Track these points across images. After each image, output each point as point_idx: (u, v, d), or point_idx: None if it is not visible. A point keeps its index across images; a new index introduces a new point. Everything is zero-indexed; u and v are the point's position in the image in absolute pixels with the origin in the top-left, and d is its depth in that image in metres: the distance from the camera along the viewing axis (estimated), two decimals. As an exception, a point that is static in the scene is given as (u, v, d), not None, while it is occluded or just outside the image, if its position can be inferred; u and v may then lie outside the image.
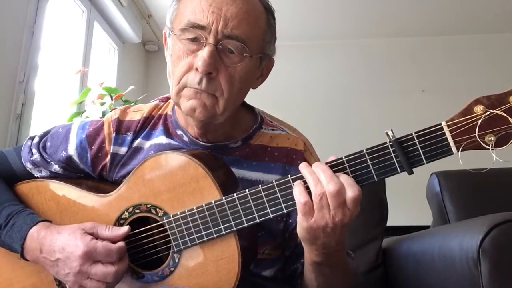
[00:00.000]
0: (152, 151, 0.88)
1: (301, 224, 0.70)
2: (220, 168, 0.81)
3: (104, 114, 1.81)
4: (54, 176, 0.92)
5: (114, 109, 0.97)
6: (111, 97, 1.90)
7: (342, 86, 3.47)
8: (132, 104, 1.03)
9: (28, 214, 0.82)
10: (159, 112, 0.93)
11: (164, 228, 0.79)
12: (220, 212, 0.75)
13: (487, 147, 0.65)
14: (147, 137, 0.91)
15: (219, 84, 0.78)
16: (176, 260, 0.78)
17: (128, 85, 2.16)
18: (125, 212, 0.81)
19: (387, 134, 0.68)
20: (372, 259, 1.41)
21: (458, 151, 0.66)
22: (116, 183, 0.88)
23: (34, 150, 0.92)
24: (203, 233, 0.76)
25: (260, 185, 0.73)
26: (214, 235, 0.75)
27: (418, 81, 3.41)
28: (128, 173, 0.84)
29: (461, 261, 0.88)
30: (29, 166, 0.92)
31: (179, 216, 0.77)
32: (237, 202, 0.74)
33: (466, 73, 3.35)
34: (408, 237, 1.30)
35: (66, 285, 0.79)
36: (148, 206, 0.80)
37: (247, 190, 0.74)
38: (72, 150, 0.90)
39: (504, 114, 0.64)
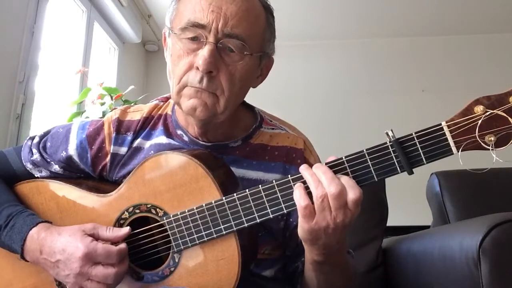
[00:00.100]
0: (152, 151, 0.88)
1: (302, 226, 0.70)
2: (220, 168, 0.81)
3: (104, 114, 1.81)
4: (54, 176, 0.92)
5: (114, 109, 0.97)
6: (111, 97, 1.90)
7: (342, 86, 3.47)
8: (132, 104, 1.03)
9: (28, 215, 0.82)
10: (159, 112, 0.94)
11: (164, 228, 0.79)
12: (220, 212, 0.75)
13: (487, 147, 0.65)
14: (147, 137, 0.91)
15: (219, 83, 0.78)
16: (176, 260, 0.78)
17: (128, 85, 2.15)
18: (125, 212, 0.81)
19: (387, 134, 0.68)
20: (372, 259, 1.41)
21: (458, 151, 0.66)
22: (116, 183, 0.88)
23: (34, 150, 0.92)
24: (203, 233, 0.76)
25: (260, 185, 0.73)
26: (214, 235, 0.75)
27: (418, 81, 3.41)
28: (128, 173, 0.85)
29: (461, 261, 0.88)
30: (29, 166, 0.92)
31: (179, 216, 0.77)
32: (237, 202, 0.74)
33: (466, 73, 3.35)
34: (408, 237, 1.30)
35: (66, 286, 0.79)
36: (148, 206, 0.80)
37: (247, 190, 0.74)
38: (72, 150, 0.90)
39: (504, 114, 0.64)
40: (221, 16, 0.76)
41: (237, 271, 0.74)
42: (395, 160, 0.68)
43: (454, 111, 0.67)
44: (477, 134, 0.65)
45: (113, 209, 0.82)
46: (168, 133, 0.90)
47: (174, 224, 0.77)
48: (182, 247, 0.77)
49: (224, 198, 0.75)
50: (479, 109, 0.65)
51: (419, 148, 0.67)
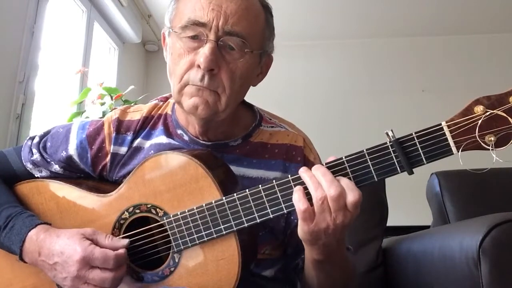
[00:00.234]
0: (152, 151, 0.88)
1: (302, 228, 0.70)
2: (220, 167, 0.81)
3: (104, 114, 1.81)
4: (54, 176, 0.92)
5: (114, 109, 0.97)
6: (111, 97, 1.90)
7: (342, 86, 3.47)
8: (132, 104, 1.03)
9: (28, 216, 0.82)
10: (159, 112, 0.94)
11: (164, 228, 0.79)
12: (220, 212, 0.75)
13: (487, 147, 0.65)
14: (147, 136, 0.91)
15: (220, 81, 0.78)
16: (176, 260, 0.78)
17: (128, 85, 2.15)
18: (125, 212, 0.81)
19: (387, 134, 0.68)
20: (372, 259, 1.41)
21: (458, 151, 0.66)
22: (116, 183, 0.88)
23: (34, 150, 0.92)
24: (203, 233, 0.76)
25: (260, 185, 0.73)
26: (214, 235, 0.75)
27: (418, 81, 3.41)
28: (128, 173, 0.85)
29: (461, 261, 0.88)
30: (29, 166, 0.92)
31: (179, 216, 0.77)
32: (237, 202, 0.74)
33: (466, 73, 3.35)
34: (408, 237, 1.30)
35: None
36: (148, 206, 0.80)
37: (247, 190, 0.74)
38: (72, 150, 0.90)
39: (504, 115, 0.64)
40: (221, 14, 0.76)
41: (237, 271, 0.74)
42: (395, 160, 0.68)
43: (454, 111, 0.67)
44: (477, 134, 0.65)
45: (113, 209, 0.82)
46: (168, 133, 0.90)
47: (174, 224, 0.77)
48: (182, 247, 0.77)
49: (224, 198, 0.75)
50: (479, 109, 0.65)
51: (419, 148, 0.67)
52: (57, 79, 2.32)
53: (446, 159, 0.68)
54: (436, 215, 1.64)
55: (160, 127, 0.91)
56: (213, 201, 0.75)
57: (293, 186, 0.71)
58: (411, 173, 0.68)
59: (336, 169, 0.70)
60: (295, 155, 0.89)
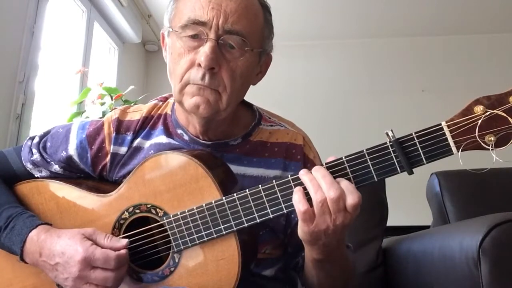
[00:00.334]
0: (152, 151, 0.88)
1: (302, 229, 0.71)
2: (219, 167, 0.81)
3: (104, 114, 1.81)
4: (54, 176, 0.92)
5: (114, 109, 0.97)
6: (111, 97, 1.90)
7: (342, 86, 3.47)
8: (132, 104, 1.03)
9: (28, 216, 0.82)
10: (159, 111, 0.94)
11: (164, 228, 0.79)
12: (220, 212, 0.75)
13: (487, 147, 0.65)
14: (147, 136, 0.91)
15: (221, 80, 0.78)
16: (176, 260, 0.78)
17: (128, 85, 2.15)
18: (125, 212, 0.81)
19: (387, 134, 0.68)
20: (372, 259, 1.41)
21: (458, 151, 0.66)
22: (116, 183, 0.88)
23: (34, 150, 0.92)
24: (203, 233, 0.76)
25: (260, 185, 0.73)
26: (214, 235, 0.75)
27: (418, 81, 3.41)
28: (128, 173, 0.85)
29: (461, 261, 0.88)
30: (29, 166, 0.92)
31: (179, 216, 0.77)
32: (237, 202, 0.74)
33: (466, 73, 3.35)
34: (408, 237, 1.30)
35: None
36: (148, 206, 0.80)
37: (247, 190, 0.74)
38: (72, 150, 0.90)
39: (504, 114, 0.64)
40: (221, 13, 0.77)
41: (237, 271, 0.74)
42: (395, 160, 0.68)
43: (454, 111, 0.67)
44: (477, 134, 0.65)
45: (113, 209, 0.82)
46: (168, 133, 0.90)
47: (174, 224, 0.77)
48: (182, 247, 0.77)
49: (224, 198, 0.75)
50: (479, 109, 0.65)
51: (419, 148, 0.67)
52: (57, 79, 2.32)
53: (446, 159, 0.68)
54: (436, 215, 1.63)
55: (160, 127, 0.91)
56: (213, 201, 0.75)
57: (293, 186, 0.71)
58: (411, 173, 0.68)
59: (336, 169, 0.70)
60: (295, 153, 0.89)
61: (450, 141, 0.66)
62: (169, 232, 0.78)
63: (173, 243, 0.78)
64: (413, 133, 0.68)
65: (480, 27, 3.35)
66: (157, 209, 0.79)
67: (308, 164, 0.89)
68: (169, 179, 0.78)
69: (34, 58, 1.96)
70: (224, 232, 0.75)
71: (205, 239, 0.76)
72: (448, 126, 0.66)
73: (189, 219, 0.76)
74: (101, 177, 0.92)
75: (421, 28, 3.37)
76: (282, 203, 0.72)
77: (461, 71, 3.37)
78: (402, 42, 3.48)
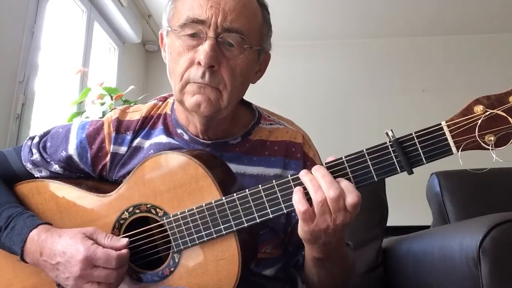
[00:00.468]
0: (152, 150, 0.88)
1: (302, 228, 0.71)
2: (219, 167, 0.81)
3: (104, 114, 1.81)
4: (54, 176, 0.92)
5: (113, 109, 0.97)
6: (111, 97, 1.90)
7: (342, 86, 3.47)
8: (131, 105, 1.03)
9: (28, 216, 0.82)
10: (158, 111, 0.94)
11: (164, 228, 0.79)
12: (220, 212, 0.75)
13: (487, 147, 0.65)
14: (147, 136, 0.91)
15: (221, 77, 0.78)
16: (176, 260, 0.78)
17: (128, 85, 2.15)
18: (125, 212, 0.81)
19: (387, 134, 0.68)
20: (372, 259, 1.41)
21: (458, 151, 0.66)
22: (116, 183, 0.88)
23: (34, 150, 0.92)
24: (203, 233, 0.76)
25: (260, 185, 0.73)
26: (214, 235, 0.75)
27: (418, 81, 3.41)
28: (128, 172, 0.85)
29: (461, 261, 0.88)
30: (29, 166, 0.92)
31: (179, 216, 0.77)
32: (237, 202, 0.74)
33: (466, 73, 3.35)
34: (408, 237, 1.30)
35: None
36: (148, 206, 0.80)
37: (247, 190, 0.74)
38: (72, 150, 0.90)
39: (504, 114, 0.64)
40: (219, 11, 0.77)
41: (237, 271, 0.74)
42: (395, 160, 0.68)
43: (454, 111, 0.67)
44: (477, 134, 0.65)
45: (113, 209, 0.82)
46: (168, 132, 0.90)
47: (174, 224, 0.77)
48: (182, 247, 0.77)
49: (224, 198, 0.75)
50: (479, 109, 0.65)
51: (419, 148, 0.67)
52: (57, 79, 2.32)
53: (446, 159, 0.68)
54: (436, 215, 1.63)
55: (159, 126, 0.91)
56: (213, 201, 0.75)
57: (293, 186, 0.72)
58: (411, 173, 0.68)
59: (336, 169, 0.70)
60: (295, 151, 0.89)
61: (450, 141, 0.66)
62: (169, 232, 0.78)
63: (173, 243, 0.78)
64: (413, 133, 0.68)
65: (480, 27, 3.35)
66: (157, 209, 0.79)
67: (308, 162, 0.89)
68: (169, 179, 0.78)
69: (34, 58, 1.96)
70: (224, 232, 0.75)
71: (205, 239, 0.76)
72: (448, 126, 0.66)
73: (189, 219, 0.76)
74: (101, 177, 0.93)
75: (421, 28, 3.37)
76: (282, 203, 0.72)
77: (461, 71, 3.37)
78: (402, 42, 3.48)
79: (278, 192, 0.72)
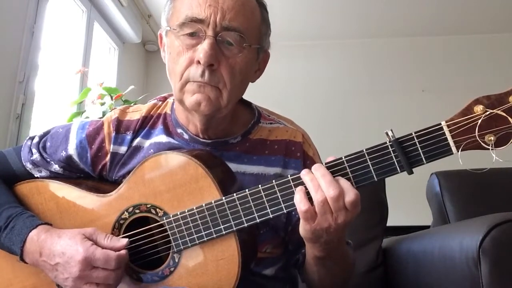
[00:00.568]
0: (152, 150, 0.88)
1: (304, 227, 0.71)
2: (219, 167, 0.81)
3: (104, 114, 1.80)
4: (54, 176, 0.92)
5: (113, 109, 0.97)
6: (111, 97, 1.90)
7: (342, 86, 3.47)
8: (131, 105, 1.04)
9: (28, 216, 0.82)
10: (158, 111, 0.94)
11: (164, 228, 0.79)
12: (220, 212, 0.75)
13: (487, 147, 0.65)
14: (147, 136, 0.91)
15: (221, 76, 0.78)
16: (176, 260, 0.78)
17: (128, 85, 2.15)
18: (125, 212, 0.81)
19: (387, 134, 0.68)
20: (372, 259, 1.41)
21: (458, 151, 0.66)
22: (116, 183, 0.88)
23: (34, 150, 0.92)
24: (203, 233, 0.76)
25: (260, 185, 0.73)
26: (214, 235, 0.75)
27: (418, 81, 3.40)
28: (128, 172, 0.85)
29: (461, 261, 0.88)
30: (29, 166, 0.92)
31: (179, 216, 0.77)
32: (237, 202, 0.74)
33: (466, 73, 3.35)
34: (408, 237, 1.30)
35: None
36: (148, 206, 0.80)
37: (247, 190, 0.74)
38: (72, 149, 0.90)
39: (504, 114, 0.64)
40: (218, 10, 0.77)
41: (237, 271, 0.74)
42: (394, 160, 0.68)
43: (454, 111, 0.67)
44: (476, 133, 0.65)
45: (113, 209, 0.82)
46: (168, 132, 0.90)
47: (174, 224, 0.77)
48: (182, 247, 0.77)
49: (224, 198, 0.75)
50: (478, 108, 0.65)
51: (419, 148, 0.67)
52: (57, 79, 2.32)
53: (446, 159, 0.68)
54: (436, 215, 1.63)
55: (159, 126, 0.91)
56: (213, 201, 0.75)
57: (293, 186, 0.72)
58: (410, 173, 0.68)
59: (335, 169, 0.70)
60: (295, 150, 0.89)
61: (450, 141, 0.66)
62: (169, 232, 0.78)
63: (173, 243, 0.78)
64: (413, 133, 0.68)
65: (480, 27, 3.35)
66: (157, 209, 0.79)
67: (308, 161, 0.89)
68: (169, 179, 0.78)
69: (34, 58, 1.96)
70: (224, 232, 0.75)
71: (205, 239, 0.76)
72: (448, 126, 0.66)
73: (189, 219, 0.76)
74: (100, 177, 0.93)
75: (421, 28, 3.37)
76: (282, 203, 0.72)
77: (461, 71, 3.37)
78: (402, 42, 3.48)
79: (278, 192, 0.72)
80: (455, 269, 0.91)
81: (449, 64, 3.41)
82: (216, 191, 0.76)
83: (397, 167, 0.68)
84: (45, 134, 0.95)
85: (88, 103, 1.89)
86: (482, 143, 0.65)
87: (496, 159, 0.65)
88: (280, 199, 0.72)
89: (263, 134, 0.91)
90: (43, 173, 0.92)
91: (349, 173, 0.70)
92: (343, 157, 0.71)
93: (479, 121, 0.65)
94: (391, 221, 1.52)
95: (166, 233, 0.78)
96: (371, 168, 0.69)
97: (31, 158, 0.91)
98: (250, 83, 0.88)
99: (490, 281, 0.81)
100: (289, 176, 0.72)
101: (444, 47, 3.45)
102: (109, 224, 0.82)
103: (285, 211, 0.72)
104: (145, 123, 0.92)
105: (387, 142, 0.68)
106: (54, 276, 0.77)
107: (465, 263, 0.86)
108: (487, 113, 0.64)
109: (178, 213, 0.77)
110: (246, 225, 0.74)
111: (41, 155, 0.91)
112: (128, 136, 0.90)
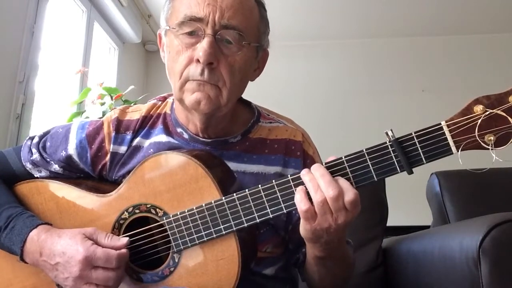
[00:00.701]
0: (151, 150, 0.88)
1: (304, 227, 0.71)
2: (218, 166, 0.81)
3: (104, 114, 1.80)
4: (54, 176, 0.92)
5: (113, 109, 0.97)
6: (111, 97, 1.90)
7: (342, 86, 3.47)
8: (131, 105, 1.04)
9: (28, 216, 0.82)
10: (158, 111, 0.94)
11: (164, 228, 0.79)
12: (220, 212, 0.75)
13: (487, 147, 0.65)
14: (147, 136, 0.91)
15: (220, 75, 0.79)
16: (176, 260, 0.78)
17: (128, 85, 2.15)
18: (125, 212, 0.81)
19: (386, 134, 0.68)
20: (372, 259, 1.41)
21: (458, 151, 0.66)
22: (116, 183, 0.88)
23: (34, 150, 0.92)
24: (203, 233, 0.76)
25: (260, 185, 0.73)
26: (214, 235, 0.75)
27: (418, 81, 3.41)
28: (128, 172, 0.85)
29: (461, 261, 0.88)
30: (29, 166, 0.92)
31: (179, 216, 0.77)
32: (237, 202, 0.74)
33: (466, 73, 3.35)
34: (408, 237, 1.30)
35: None
36: (148, 206, 0.80)
37: (246, 190, 0.74)
38: (72, 149, 0.90)
39: (504, 114, 0.64)
40: (217, 9, 0.77)
41: (237, 271, 0.74)
42: (394, 160, 0.68)
43: (454, 111, 0.67)
44: (476, 133, 0.65)
45: (113, 209, 0.82)
46: (167, 132, 0.91)
47: (174, 224, 0.77)
48: (182, 247, 0.77)
49: (223, 198, 0.75)
50: (478, 108, 0.65)
51: (419, 148, 0.67)
52: (57, 79, 2.32)
53: (446, 159, 0.68)
54: (436, 215, 1.63)
55: (159, 126, 0.91)
56: (213, 201, 0.75)
57: (292, 186, 0.72)
58: (410, 173, 0.68)
59: (335, 169, 0.70)
60: (294, 149, 0.89)
61: (450, 141, 0.66)
62: (169, 232, 0.78)
63: (173, 243, 0.78)
64: (413, 133, 0.68)
65: (480, 27, 3.35)
66: (157, 209, 0.79)
67: (308, 160, 0.89)
68: (169, 179, 0.78)
69: (34, 58, 1.96)
70: (223, 232, 0.75)
71: (205, 239, 0.76)
72: (448, 126, 0.66)
73: (189, 219, 0.76)
74: (100, 176, 0.93)
75: (421, 28, 3.37)
76: (281, 203, 0.72)
77: (461, 71, 3.37)
78: (402, 42, 3.48)
79: (278, 192, 0.72)
80: (455, 269, 0.91)
81: (449, 64, 3.41)
82: (216, 191, 0.76)
83: (397, 167, 0.68)
84: (45, 134, 0.95)
85: (88, 103, 1.89)
86: (482, 143, 0.65)
87: (496, 159, 0.65)
88: (280, 199, 0.72)
89: (263, 133, 0.91)
90: (43, 173, 0.92)
91: (349, 173, 0.70)
92: (343, 157, 0.71)
93: (479, 121, 0.65)
94: (391, 221, 1.52)
95: (166, 233, 0.78)
96: (371, 168, 0.69)
97: (31, 158, 0.91)
98: (249, 83, 0.89)
99: (490, 281, 0.81)
100: (289, 176, 0.72)
101: (444, 47, 3.45)
102: (109, 224, 0.82)
103: (285, 211, 0.72)
104: (145, 123, 0.92)
105: (387, 142, 0.68)
106: (54, 276, 0.77)
107: (465, 263, 0.86)
108: (487, 113, 0.64)
109: (178, 213, 0.77)
110: (246, 225, 0.74)
111: (41, 155, 0.91)
112: (128, 136, 0.90)
